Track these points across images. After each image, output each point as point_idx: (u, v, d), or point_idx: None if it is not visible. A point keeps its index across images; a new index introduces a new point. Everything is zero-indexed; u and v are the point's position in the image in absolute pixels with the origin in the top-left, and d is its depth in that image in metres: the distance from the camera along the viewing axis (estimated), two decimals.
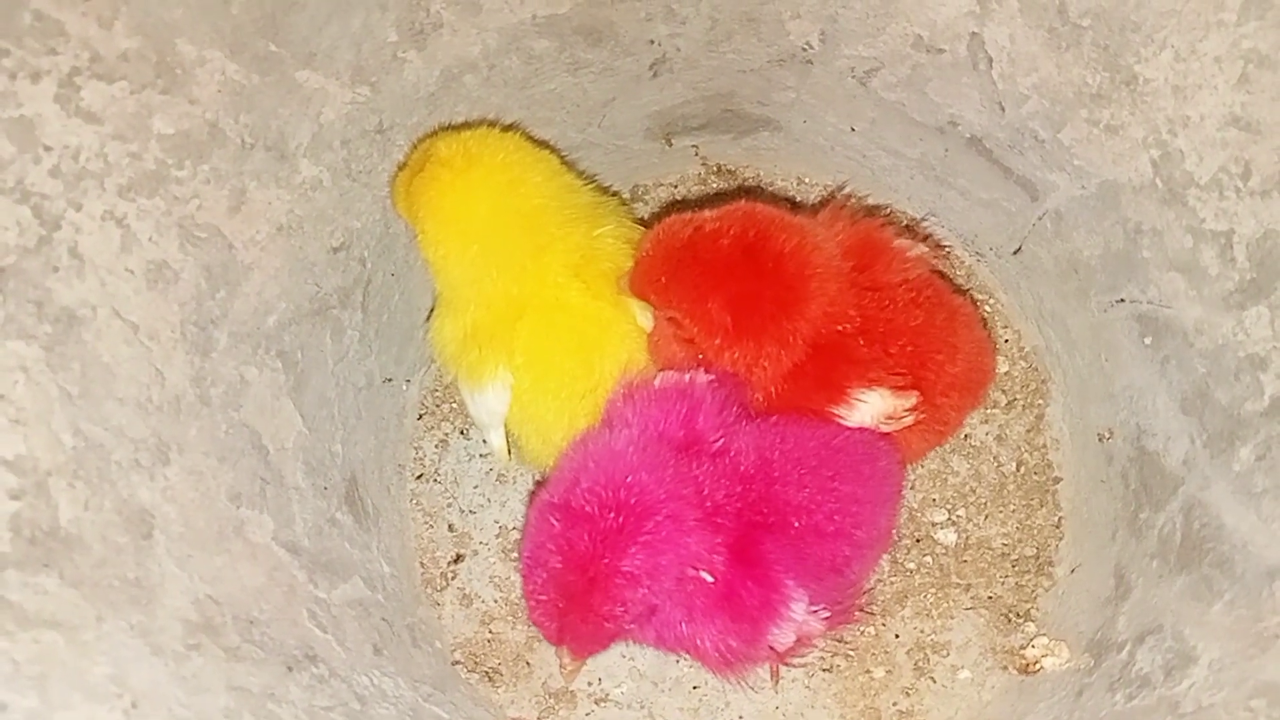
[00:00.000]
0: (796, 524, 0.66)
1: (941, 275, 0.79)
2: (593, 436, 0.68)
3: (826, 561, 0.67)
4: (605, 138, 0.85)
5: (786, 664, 0.70)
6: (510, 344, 0.71)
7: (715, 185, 0.91)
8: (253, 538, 0.65)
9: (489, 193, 0.70)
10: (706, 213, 0.70)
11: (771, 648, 0.67)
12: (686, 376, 0.69)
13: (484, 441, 0.80)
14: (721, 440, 0.67)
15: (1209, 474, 0.65)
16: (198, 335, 0.62)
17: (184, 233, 0.61)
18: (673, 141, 0.88)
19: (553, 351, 0.71)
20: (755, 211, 0.69)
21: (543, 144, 0.78)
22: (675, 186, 0.91)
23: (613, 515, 0.62)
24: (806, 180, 0.90)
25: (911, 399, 0.70)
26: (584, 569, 0.62)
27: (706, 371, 0.69)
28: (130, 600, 0.55)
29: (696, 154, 0.90)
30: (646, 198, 0.91)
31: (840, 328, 0.70)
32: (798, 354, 0.69)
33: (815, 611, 0.67)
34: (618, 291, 0.72)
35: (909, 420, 0.71)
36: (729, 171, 0.91)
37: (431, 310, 0.78)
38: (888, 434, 0.72)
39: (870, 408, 0.69)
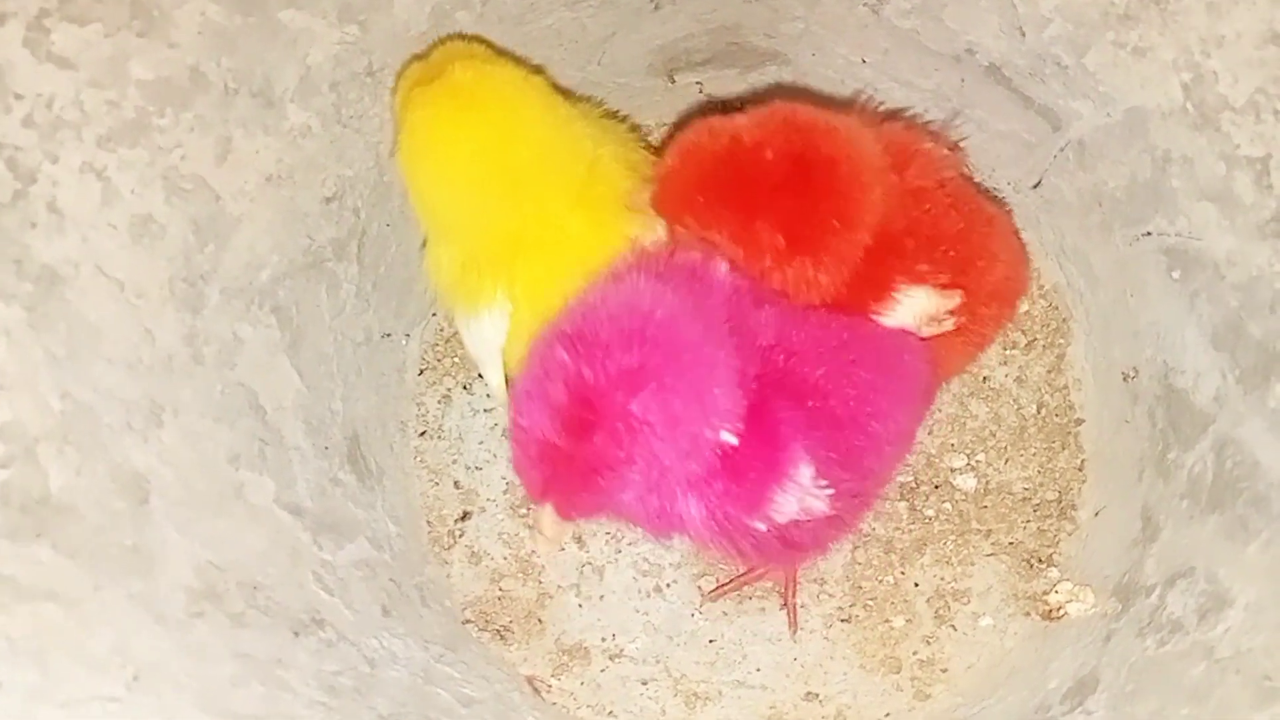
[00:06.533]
0: (811, 404, 0.61)
1: (972, 182, 0.75)
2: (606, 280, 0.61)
3: (841, 446, 0.62)
4: (605, 76, 0.82)
5: (790, 563, 0.66)
6: (511, 273, 0.67)
7: None
8: (254, 500, 0.63)
9: (478, 126, 0.66)
10: (740, 119, 0.64)
11: (770, 516, 0.61)
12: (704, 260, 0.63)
13: (480, 376, 0.77)
14: (739, 320, 0.62)
15: (1242, 411, 0.63)
16: (188, 292, 0.60)
17: (169, 184, 0.58)
18: (675, 78, 0.85)
19: (554, 284, 0.66)
20: (796, 115, 0.64)
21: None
22: (679, 126, 0.87)
23: (635, 348, 0.54)
24: None
25: (955, 298, 0.67)
26: (591, 403, 0.54)
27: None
28: (129, 568, 0.53)
29: (701, 91, 0.87)
30: (649, 138, 0.88)
31: (889, 226, 0.65)
32: (857, 264, 0.64)
33: (822, 487, 0.62)
34: (627, 208, 0.67)
35: (949, 325, 0.67)
36: (735, 108, 0.88)
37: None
38: (925, 339, 0.68)
39: (914, 304, 0.65)
